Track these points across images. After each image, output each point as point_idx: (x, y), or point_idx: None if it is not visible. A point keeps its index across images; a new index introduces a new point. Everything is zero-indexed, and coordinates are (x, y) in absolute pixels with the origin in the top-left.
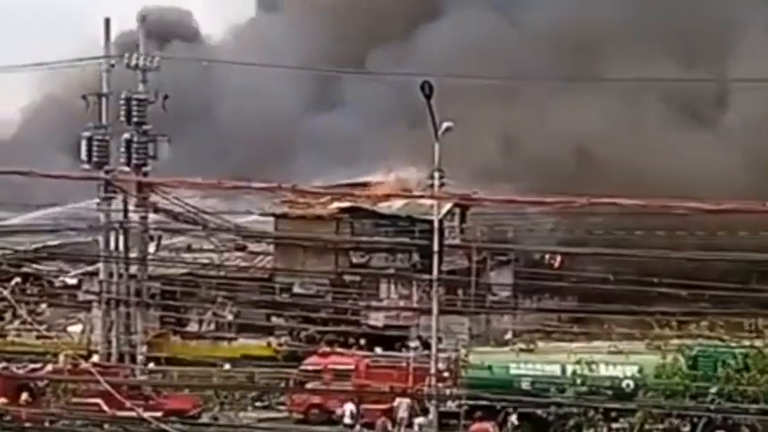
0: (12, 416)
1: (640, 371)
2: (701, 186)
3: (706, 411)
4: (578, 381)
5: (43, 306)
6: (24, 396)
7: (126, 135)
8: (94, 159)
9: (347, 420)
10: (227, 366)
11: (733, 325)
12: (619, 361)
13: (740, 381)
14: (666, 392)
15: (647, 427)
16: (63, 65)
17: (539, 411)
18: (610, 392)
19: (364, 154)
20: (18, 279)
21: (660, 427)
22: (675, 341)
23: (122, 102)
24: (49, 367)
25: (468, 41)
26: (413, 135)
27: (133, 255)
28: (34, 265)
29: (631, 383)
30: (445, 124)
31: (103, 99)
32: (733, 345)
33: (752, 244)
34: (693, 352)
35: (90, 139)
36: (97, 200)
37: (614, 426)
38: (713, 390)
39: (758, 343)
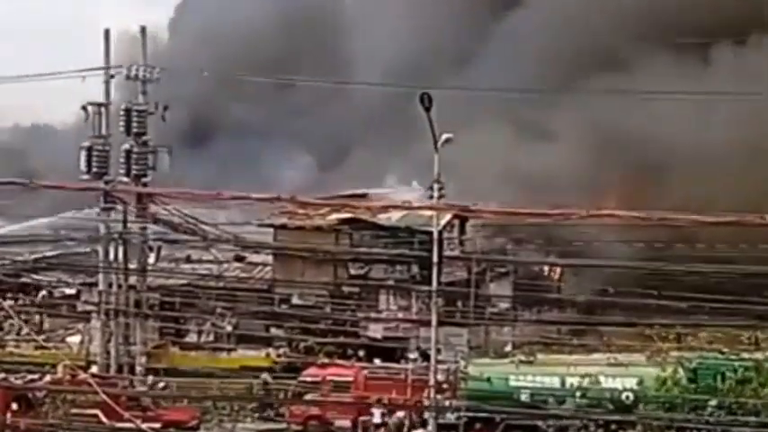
0: (10, 427)
1: (640, 383)
2: None
3: (706, 424)
4: (578, 393)
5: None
6: (23, 407)
7: (126, 145)
8: (94, 170)
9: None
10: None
11: (733, 337)
12: (618, 373)
13: (740, 393)
14: (666, 405)
15: None
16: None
17: (538, 423)
18: (609, 405)
19: None
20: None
21: None
22: (675, 353)
23: (122, 113)
24: (48, 378)
25: None
26: None
27: (132, 265)
28: (33, 276)
29: (631, 395)
30: (444, 135)
31: (104, 110)
32: (733, 357)
33: (752, 256)
34: (693, 364)
35: (90, 150)
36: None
37: None
38: (713, 402)
39: (758, 355)
